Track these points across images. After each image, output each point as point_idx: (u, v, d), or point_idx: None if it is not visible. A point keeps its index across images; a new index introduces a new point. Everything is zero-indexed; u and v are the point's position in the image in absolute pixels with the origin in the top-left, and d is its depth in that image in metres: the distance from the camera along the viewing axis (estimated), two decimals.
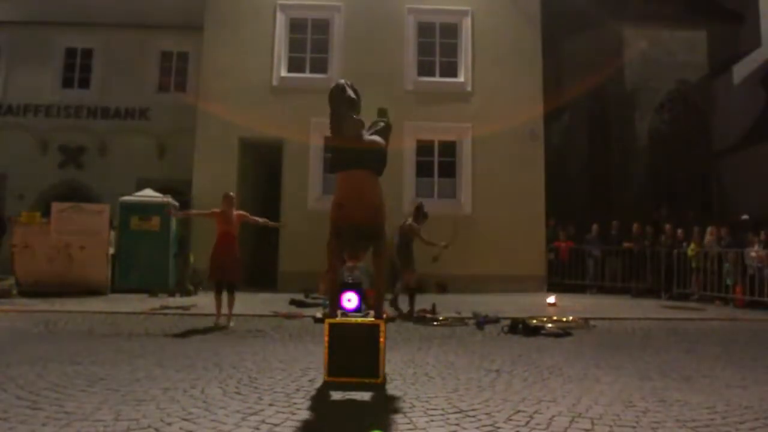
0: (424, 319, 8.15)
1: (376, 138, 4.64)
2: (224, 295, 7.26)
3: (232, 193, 7.71)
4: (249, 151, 13.76)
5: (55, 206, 11.17)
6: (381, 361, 4.24)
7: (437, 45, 13.83)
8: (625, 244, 13.15)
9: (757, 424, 3.41)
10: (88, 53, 16.19)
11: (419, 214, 9.04)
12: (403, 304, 8.62)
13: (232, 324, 7.22)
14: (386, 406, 3.67)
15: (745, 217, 12.35)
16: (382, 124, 4.83)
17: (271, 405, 3.63)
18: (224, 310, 7.28)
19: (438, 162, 13.46)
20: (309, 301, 9.89)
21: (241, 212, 7.64)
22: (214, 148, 12.97)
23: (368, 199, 4.35)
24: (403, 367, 4.84)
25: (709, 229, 11.82)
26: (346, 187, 4.40)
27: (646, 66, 18.15)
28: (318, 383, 4.21)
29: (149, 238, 11.44)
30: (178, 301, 10.08)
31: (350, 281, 8.00)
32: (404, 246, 8.72)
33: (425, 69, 13.72)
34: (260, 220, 7.87)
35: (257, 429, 3.18)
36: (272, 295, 11.13)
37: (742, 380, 4.56)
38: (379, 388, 4.07)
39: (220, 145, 12.97)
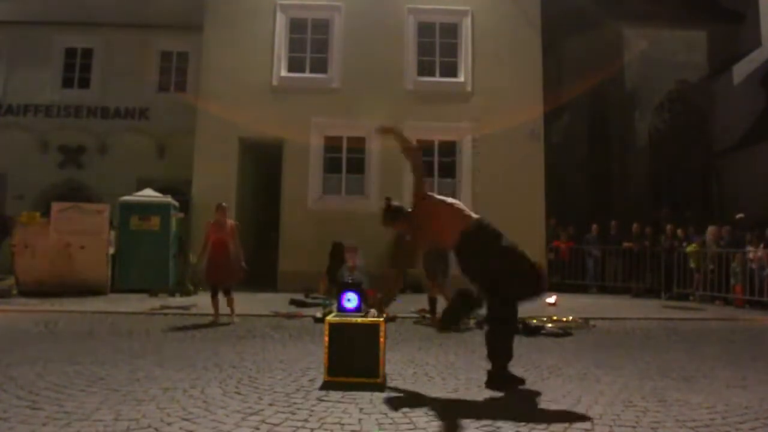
0: (423, 318, 8.16)
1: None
2: (222, 297, 7.72)
3: (224, 204, 8.13)
4: (249, 151, 13.77)
5: (55, 206, 11.17)
6: (381, 361, 4.24)
7: (437, 45, 13.82)
8: (625, 244, 13.15)
9: (757, 424, 3.41)
10: (88, 53, 16.20)
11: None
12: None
13: (236, 320, 7.61)
14: (386, 406, 3.66)
15: (740, 215, 12.34)
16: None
17: (271, 405, 3.63)
18: (226, 309, 7.68)
19: (438, 162, 13.46)
20: (309, 301, 9.90)
21: (233, 222, 8.06)
22: (214, 148, 12.96)
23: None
24: (403, 367, 4.84)
25: (709, 229, 11.82)
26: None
27: (646, 66, 18.14)
28: (318, 383, 4.21)
29: (149, 238, 11.44)
30: (178, 301, 10.08)
31: (350, 281, 8.02)
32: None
33: (425, 69, 13.71)
34: (237, 247, 7.91)
35: (257, 429, 3.18)
36: (272, 295, 11.13)
37: (742, 380, 4.56)
38: (379, 388, 4.07)
39: (220, 145, 12.97)
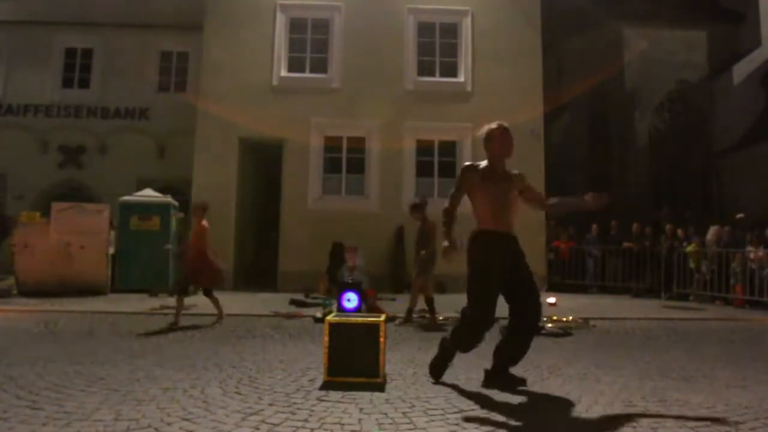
0: (422, 318, 8.15)
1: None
2: (218, 295, 7.83)
3: (198, 204, 8.01)
4: (249, 151, 13.77)
5: (55, 206, 11.16)
6: (381, 361, 4.24)
7: (437, 45, 13.82)
8: (625, 244, 13.15)
9: (757, 424, 3.41)
10: (88, 53, 16.22)
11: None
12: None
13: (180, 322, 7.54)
14: (386, 406, 3.66)
15: (740, 215, 12.34)
16: None
17: (271, 405, 3.63)
18: (213, 309, 7.76)
19: (438, 162, 13.46)
20: (309, 301, 9.89)
21: (204, 225, 7.70)
22: (214, 148, 12.96)
23: None
24: (403, 367, 4.84)
25: (712, 229, 11.81)
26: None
27: (646, 66, 18.15)
28: (318, 383, 4.21)
29: (149, 238, 11.42)
30: None
31: (350, 281, 8.02)
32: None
33: (425, 69, 13.71)
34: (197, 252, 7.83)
35: (257, 429, 3.17)
36: (272, 295, 11.13)
37: (742, 380, 4.56)
38: (379, 388, 4.06)
39: (220, 145, 12.97)
